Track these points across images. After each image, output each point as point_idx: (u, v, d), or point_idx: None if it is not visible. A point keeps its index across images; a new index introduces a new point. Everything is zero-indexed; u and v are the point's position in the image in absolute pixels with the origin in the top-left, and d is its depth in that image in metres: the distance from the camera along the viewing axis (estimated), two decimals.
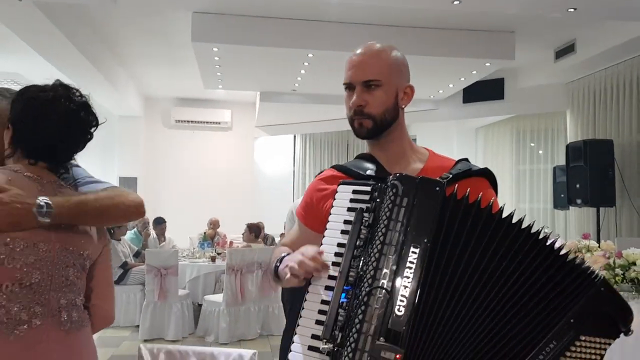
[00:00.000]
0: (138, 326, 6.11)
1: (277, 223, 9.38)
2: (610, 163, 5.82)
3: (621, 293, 2.53)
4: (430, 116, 8.98)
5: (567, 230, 7.72)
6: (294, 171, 11.24)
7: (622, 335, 1.16)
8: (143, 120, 10.21)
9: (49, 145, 1.48)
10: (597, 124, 6.68)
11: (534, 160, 9.66)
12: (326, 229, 1.29)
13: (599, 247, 2.96)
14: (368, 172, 1.42)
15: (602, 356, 1.15)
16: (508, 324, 1.13)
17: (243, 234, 7.79)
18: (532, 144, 9.73)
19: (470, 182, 1.34)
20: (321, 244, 1.28)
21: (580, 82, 7.01)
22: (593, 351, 1.14)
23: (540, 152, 9.60)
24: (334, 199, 1.31)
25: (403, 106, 1.46)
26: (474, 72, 6.97)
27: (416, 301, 1.11)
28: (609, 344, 1.15)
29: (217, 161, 10.52)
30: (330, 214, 1.30)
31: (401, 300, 1.10)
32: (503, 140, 9.99)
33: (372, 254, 1.16)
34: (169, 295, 6.06)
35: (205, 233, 8.51)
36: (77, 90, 1.52)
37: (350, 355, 1.10)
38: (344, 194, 1.29)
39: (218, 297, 6.10)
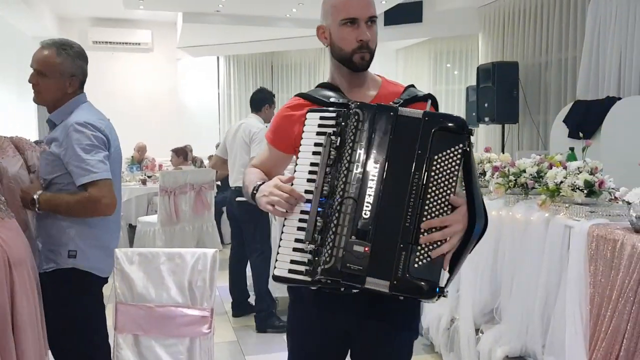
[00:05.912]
0: None
1: (203, 145, 9.49)
2: (515, 83, 6.36)
3: (512, 195, 3.04)
4: None
5: (477, 146, 8.38)
6: (218, 93, 11.21)
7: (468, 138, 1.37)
8: None
9: None
10: (505, 46, 7.17)
11: (450, 80, 10.19)
12: (299, 151, 1.49)
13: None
14: (332, 100, 1.57)
15: (460, 160, 1.36)
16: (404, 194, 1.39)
17: (171, 160, 7.88)
18: (448, 65, 10.23)
19: (416, 106, 1.52)
20: (295, 164, 1.48)
21: (492, 7, 7.38)
22: (451, 160, 1.36)
23: (456, 72, 10.12)
24: (304, 125, 1.49)
25: None
26: None
27: (378, 206, 1.37)
28: (460, 149, 1.37)
29: (140, 84, 10.30)
30: (302, 138, 1.49)
31: (367, 206, 1.37)
32: (422, 61, 10.41)
33: (341, 171, 1.39)
34: None
35: (132, 157, 8.56)
36: None
37: (330, 251, 1.36)
38: (313, 120, 1.48)
39: (152, 218, 6.31)
